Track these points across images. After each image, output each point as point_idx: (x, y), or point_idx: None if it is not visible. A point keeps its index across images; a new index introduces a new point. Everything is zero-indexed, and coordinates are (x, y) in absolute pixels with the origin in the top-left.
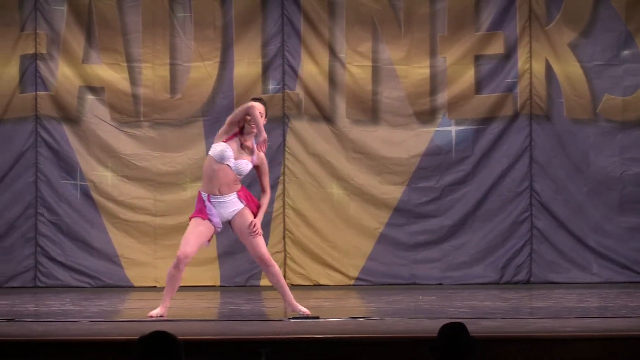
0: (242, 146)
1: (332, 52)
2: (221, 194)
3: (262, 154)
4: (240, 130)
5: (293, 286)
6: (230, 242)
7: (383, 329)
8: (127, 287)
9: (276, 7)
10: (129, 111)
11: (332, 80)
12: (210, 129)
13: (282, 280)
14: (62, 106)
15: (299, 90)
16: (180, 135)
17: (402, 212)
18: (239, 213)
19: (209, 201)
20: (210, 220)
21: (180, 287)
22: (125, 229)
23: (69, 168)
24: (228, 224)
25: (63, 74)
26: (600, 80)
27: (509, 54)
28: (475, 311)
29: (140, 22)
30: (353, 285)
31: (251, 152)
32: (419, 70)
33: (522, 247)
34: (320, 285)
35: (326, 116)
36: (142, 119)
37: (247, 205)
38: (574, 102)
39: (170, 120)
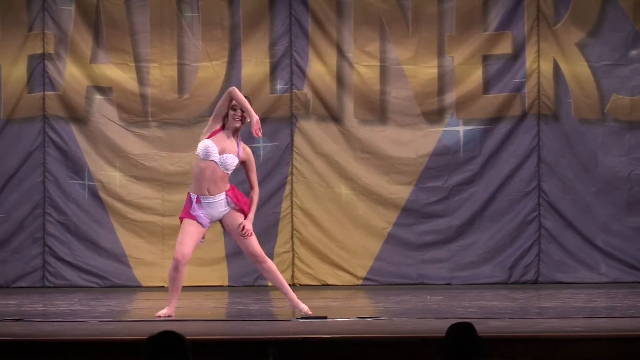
0: (227, 141)
1: (340, 52)
2: (210, 194)
3: (248, 149)
4: (223, 126)
5: (301, 286)
6: None
7: (391, 329)
8: (135, 287)
9: (284, 7)
10: (137, 111)
11: (340, 80)
12: None
13: (280, 276)
14: (70, 106)
15: (306, 90)
16: (188, 135)
17: (410, 212)
18: (229, 214)
19: (199, 202)
20: (197, 220)
21: (188, 287)
22: (133, 229)
23: (77, 168)
24: (220, 222)
25: (71, 74)
26: (608, 80)
27: (517, 54)
28: (483, 311)
29: (148, 22)
30: (361, 285)
31: (236, 146)
32: (426, 70)
33: (530, 247)
34: (328, 285)
35: (334, 116)
36: (150, 119)
37: (237, 205)
38: (582, 102)
39: (178, 120)
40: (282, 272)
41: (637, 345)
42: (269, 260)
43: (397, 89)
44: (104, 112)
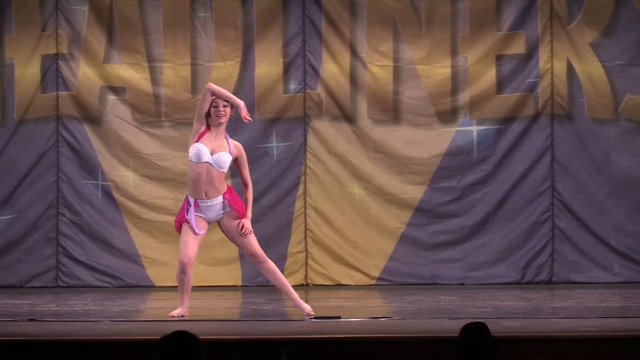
0: (216, 140)
1: (353, 52)
2: (208, 197)
3: (239, 144)
4: (209, 127)
5: (314, 286)
6: None
7: (404, 329)
8: (149, 287)
9: (297, 7)
10: (150, 111)
11: (353, 80)
12: (232, 129)
13: (281, 277)
14: (84, 106)
15: (320, 90)
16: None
17: (423, 212)
18: (226, 217)
19: (197, 205)
20: (188, 224)
21: (202, 287)
22: (146, 229)
23: (91, 168)
24: (218, 225)
25: (84, 74)
26: (622, 79)
27: (531, 54)
28: (497, 311)
29: (161, 22)
30: (374, 285)
31: (227, 144)
32: (440, 70)
33: (543, 247)
34: (341, 285)
35: (347, 116)
36: (163, 118)
37: (233, 207)
38: (596, 102)
39: (191, 120)
40: (295, 272)
41: None
42: (269, 261)
43: (411, 89)
44: (117, 112)
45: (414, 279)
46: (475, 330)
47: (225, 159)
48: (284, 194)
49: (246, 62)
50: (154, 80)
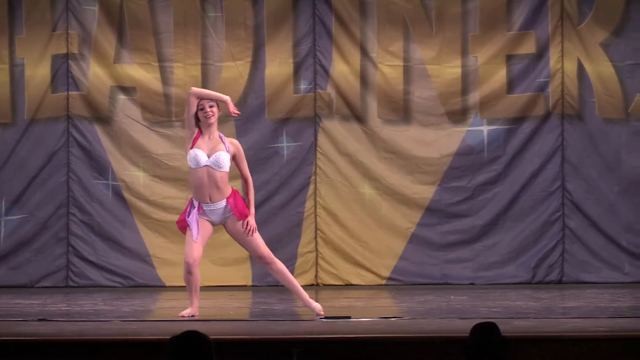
0: (210, 142)
1: (364, 52)
2: (212, 201)
3: (235, 141)
4: (201, 131)
5: (324, 286)
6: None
7: (415, 329)
8: (159, 287)
9: (307, 7)
10: (161, 111)
11: (364, 79)
12: (242, 129)
13: (290, 277)
14: (94, 106)
15: (330, 90)
16: None
17: (433, 212)
18: (231, 219)
19: (200, 209)
20: (189, 226)
21: (212, 286)
22: (157, 229)
23: (101, 168)
24: (223, 226)
25: (94, 74)
26: (632, 79)
27: (541, 54)
28: (507, 311)
29: (172, 22)
30: (385, 285)
31: (222, 143)
32: (450, 70)
33: (554, 246)
34: (351, 285)
35: (357, 116)
36: (173, 118)
37: (237, 211)
38: (606, 102)
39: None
40: (305, 272)
41: None
42: (277, 262)
43: (421, 89)
44: (127, 112)
45: (425, 279)
46: (486, 330)
47: (224, 158)
48: (294, 193)
49: (256, 62)
50: (165, 80)
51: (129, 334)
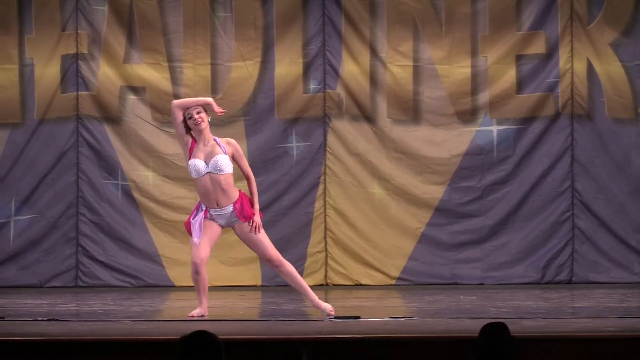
0: (205, 148)
1: (373, 52)
2: (219, 206)
3: (231, 140)
4: (194, 139)
5: (334, 286)
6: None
7: (424, 329)
8: (169, 287)
9: (317, 7)
10: (170, 111)
11: (373, 79)
12: (252, 129)
13: (299, 279)
14: (104, 106)
15: (340, 90)
16: (221, 134)
17: (443, 212)
18: (238, 222)
19: (208, 213)
20: (190, 229)
21: (222, 286)
22: (166, 229)
23: (110, 168)
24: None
25: (104, 74)
26: None
27: (551, 54)
28: (517, 311)
29: (181, 22)
30: (394, 285)
31: (218, 146)
32: (460, 70)
33: (563, 246)
34: (361, 285)
35: (367, 116)
36: None
37: (243, 216)
38: (616, 102)
39: (211, 120)
40: (315, 272)
41: None
42: (286, 264)
43: (431, 89)
44: (137, 112)
45: (434, 279)
46: (495, 330)
47: (222, 160)
48: (303, 193)
49: (266, 62)
50: (174, 80)
51: (138, 334)
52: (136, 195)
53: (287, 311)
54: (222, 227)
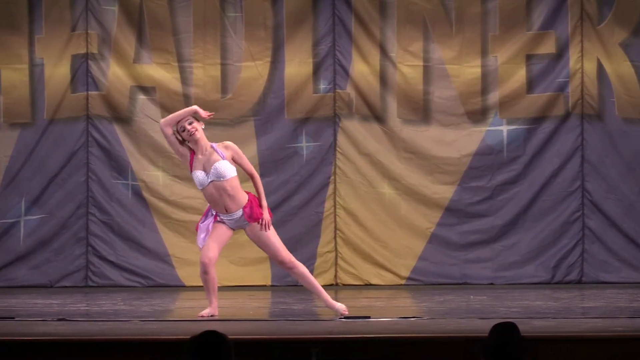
0: (204, 157)
1: (383, 52)
2: (228, 212)
3: (228, 143)
4: (192, 151)
5: (344, 286)
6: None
7: (434, 329)
8: (179, 287)
9: (327, 7)
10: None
11: (383, 79)
12: (261, 129)
13: (312, 280)
14: (114, 106)
15: (350, 89)
16: (231, 135)
17: (453, 212)
18: (249, 226)
19: (218, 217)
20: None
21: (232, 286)
22: (176, 229)
23: (120, 168)
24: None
25: (114, 74)
26: None
27: (561, 54)
28: (527, 311)
29: (191, 22)
30: (404, 285)
31: (216, 152)
32: (470, 70)
33: (573, 246)
34: (371, 285)
35: (377, 116)
36: None
37: (252, 219)
38: (626, 102)
39: (221, 120)
40: (325, 272)
41: None
42: (299, 265)
43: (441, 89)
44: (147, 112)
45: (444, 279)
46: (505, 330)
47: (222, 166)
48: (313, 193)
49: (276, 62)
50: (184, 80)
51: (148, 334)
52: (146, 195)
53: (297, 311)
54: (233, 230)
